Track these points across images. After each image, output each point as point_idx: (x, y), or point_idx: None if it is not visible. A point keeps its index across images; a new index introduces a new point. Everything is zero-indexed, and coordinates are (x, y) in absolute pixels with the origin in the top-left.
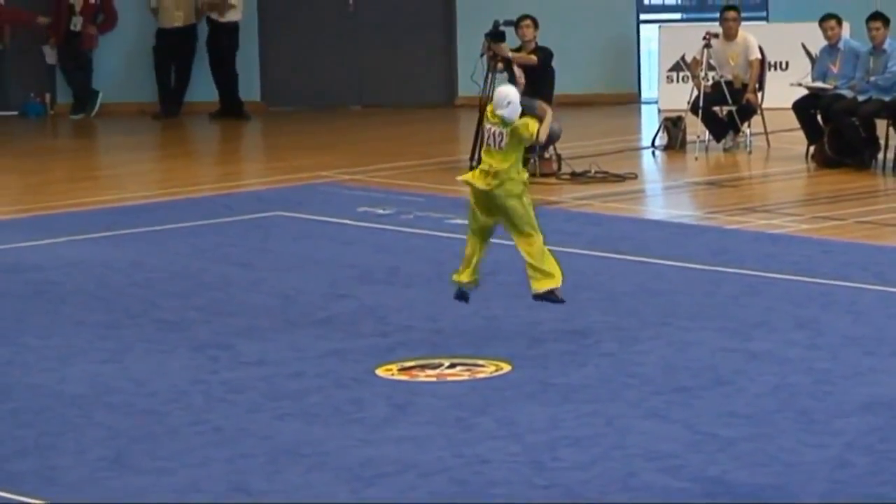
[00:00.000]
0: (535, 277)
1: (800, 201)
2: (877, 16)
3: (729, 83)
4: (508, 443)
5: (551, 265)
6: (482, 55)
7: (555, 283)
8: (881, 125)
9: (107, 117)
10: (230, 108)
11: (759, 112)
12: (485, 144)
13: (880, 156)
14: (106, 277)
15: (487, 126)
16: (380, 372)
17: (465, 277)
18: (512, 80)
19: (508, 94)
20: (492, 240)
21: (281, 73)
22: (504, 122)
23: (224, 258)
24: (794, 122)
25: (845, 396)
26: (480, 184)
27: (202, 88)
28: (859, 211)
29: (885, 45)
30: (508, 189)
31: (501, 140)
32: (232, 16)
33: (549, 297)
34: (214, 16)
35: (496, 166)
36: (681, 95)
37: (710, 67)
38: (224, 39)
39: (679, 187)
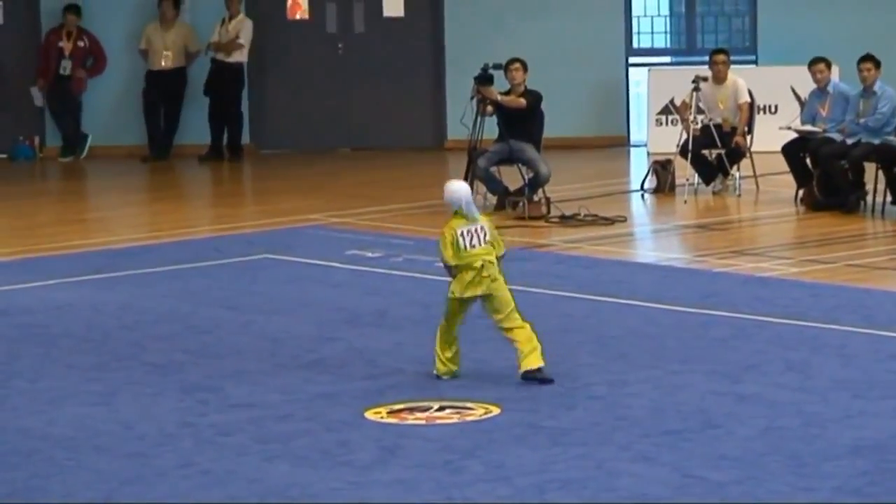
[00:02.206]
0: (524, 356)
1: (789, 244)
2: (868, 58)
3: (718, 126)
4: (497, 486)
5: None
6: (471, 98)
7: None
8: (870, 168)
9: (96, 160)
10: (222, 149)
11: (748, 155)
12: (466, 247)
13: (869, 199)
14: (95, 320)
15: (458, 231)
16: (369, 415)
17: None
18: (501, 122)
19: (458, 191)
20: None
21: (270, 116)
22: (472, 218)
23: (213, 301)
24: (783, 165)
25: (834, 440)
26: (481, 289)
27: (191, 131)
28: (849, 254)
29: (876, 87)
30: (496, 276)
31: (485, 235)
32: (237, 56)
33: (537, 375)
34: (220, 56)
35: (489, 257)
36: (670, 139)
37: (699, 111)
38: (229, 80)
39: (668, 230)
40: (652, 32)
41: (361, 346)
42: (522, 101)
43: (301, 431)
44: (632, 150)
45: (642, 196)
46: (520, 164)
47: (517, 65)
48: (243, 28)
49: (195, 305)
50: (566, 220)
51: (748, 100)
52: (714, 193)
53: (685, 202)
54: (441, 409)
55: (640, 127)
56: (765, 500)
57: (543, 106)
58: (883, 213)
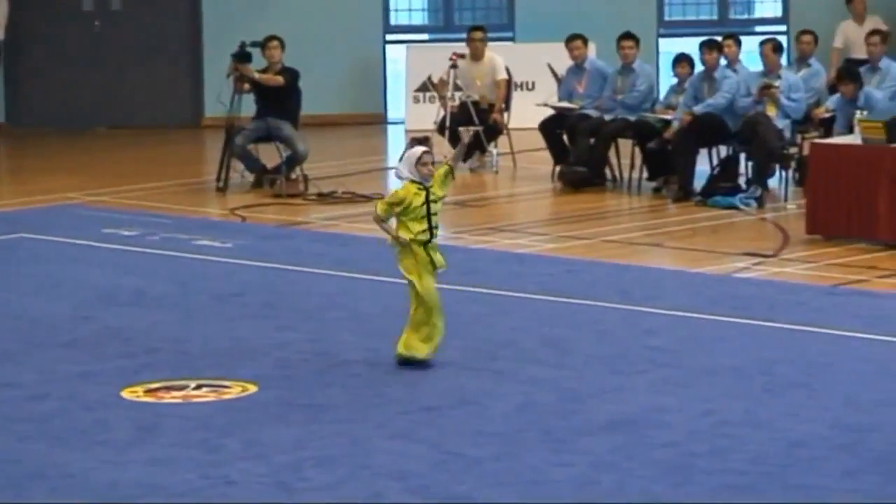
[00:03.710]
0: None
1: (546, 221)
2: (628, 35)
3: (475, 103)
4: (255, 464)
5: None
6: (228, 76)
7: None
8: (626, 145)
9: None
10: None
11: (505, 132)
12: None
13: (626, 175)
14: None
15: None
16: (126, 394)
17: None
18: (258, 100)
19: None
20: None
21: (26, 93)
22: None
23: None
24: (540, 142)
25: (591, 415)
26: None
27: None
28: (605, 230)
29: (635, 65)
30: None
31: None
32: None
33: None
34: None
35: None
36: (427, 116)
37: (457, 88)
38: None
39: None
40: (409, 10)
41: (118, 325)
42: (280, 78)
43: (57, 411)
44: (389, 127)
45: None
46: (277, 142)
47: (275, 42)
48: None
49: None
50: (324, 198)
51: (505, 77)
52: (471, 170)
53: None
54: (198, 387)
55: (398, 104)
56: (522, 475)
57: (301, 83)
58: (639, 189)
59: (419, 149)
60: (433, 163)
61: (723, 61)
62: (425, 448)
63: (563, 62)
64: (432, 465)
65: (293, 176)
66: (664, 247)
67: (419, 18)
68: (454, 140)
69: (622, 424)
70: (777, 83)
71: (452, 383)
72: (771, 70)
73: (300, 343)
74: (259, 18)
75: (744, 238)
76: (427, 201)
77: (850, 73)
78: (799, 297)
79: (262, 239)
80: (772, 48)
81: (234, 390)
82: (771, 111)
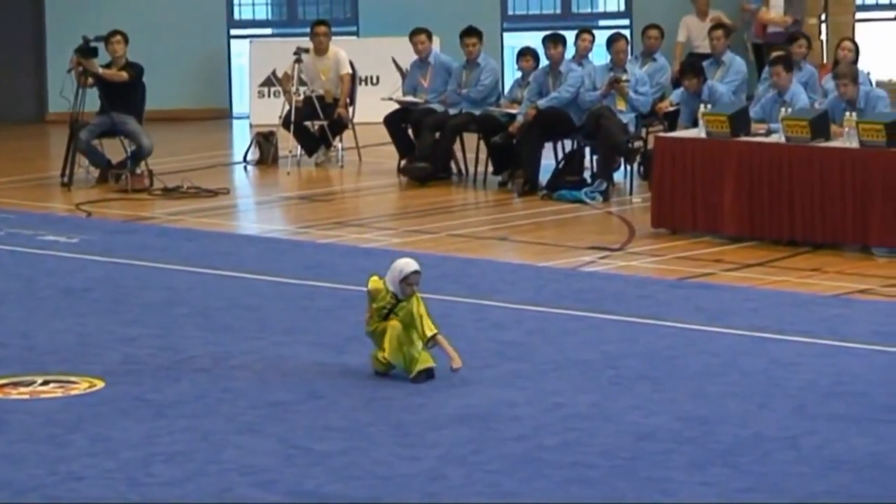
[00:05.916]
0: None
1: (392, 215)
2: (472, 31)
3: (320, 98)
4: (103, 459)
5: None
6: (69, 70)
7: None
8: (471, 139)
9: None
10: None
11: (350, 127)
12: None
13: (471, 169)
14: None
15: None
16: None
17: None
18: (102, 95)
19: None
20: None
21: None
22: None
23: None
24: (385, 136)
25: (439, 409)
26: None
27: None
28: (451, 224)
29: (479, 59)
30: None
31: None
32: None
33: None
34: None
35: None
36: (272, 110)
37: (302, 82)
38: None
39: (272, 202)
40: (253, 4)
41: None
42: (124, 74)
43: None
44: (234, 121)
45: (245, 168)
46: (122, 137)
47: (118, 37)
48: None
49: None
50: (169, 193)
51: (350, 71)
52: (317, 165)
53: (288, 174)
54: (45, 383)
55: (243, 99)
56: (370, 469)
57: (145, 78)
58: (485, 184)
59: (410, 267)
60: (417, 284)
61: (568, 55)
62: (273, 443)
63: (408, 56)
64: (281, 459)
65: (138, 171)
66: (510, 240)
67: (263, 13)
68: (299, 135)
69: (471, 418)
70: (624, 77)
71: (300, 378)
72: (618, 64)
73: (147, 338)
74: (102, 13)
75: (590, 232)
76: (391, 310)
77: (693, 68)
78: (645, 291)
79: (108, 234)
80: (624, 43)
81: (82, 386)
82: (620, 105)
